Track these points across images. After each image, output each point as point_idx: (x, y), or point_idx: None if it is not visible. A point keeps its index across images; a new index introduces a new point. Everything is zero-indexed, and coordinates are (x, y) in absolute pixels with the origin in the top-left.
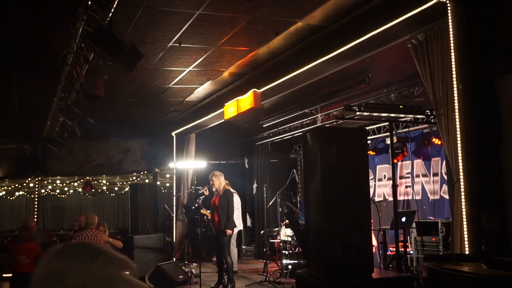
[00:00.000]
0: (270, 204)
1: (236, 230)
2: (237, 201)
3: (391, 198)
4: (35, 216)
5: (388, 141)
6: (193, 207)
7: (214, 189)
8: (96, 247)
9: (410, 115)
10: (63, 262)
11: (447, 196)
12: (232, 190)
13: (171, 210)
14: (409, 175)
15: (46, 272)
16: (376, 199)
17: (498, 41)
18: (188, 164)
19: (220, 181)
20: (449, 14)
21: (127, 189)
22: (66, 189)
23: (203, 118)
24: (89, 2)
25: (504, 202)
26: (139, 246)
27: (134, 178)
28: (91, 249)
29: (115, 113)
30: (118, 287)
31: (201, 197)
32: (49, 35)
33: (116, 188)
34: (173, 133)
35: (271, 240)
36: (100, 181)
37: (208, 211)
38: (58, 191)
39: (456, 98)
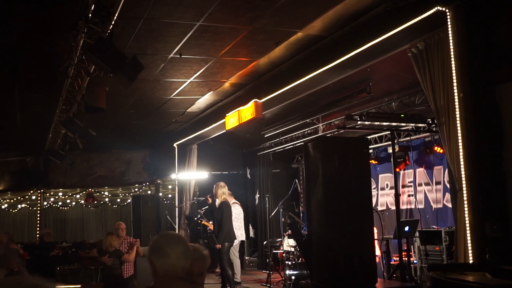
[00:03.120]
0: (272, 214)
1: (237, 241)
2: (238, 211)
3: (394, 207)
4: (37, 228)
5: (390, 150)
6: (195, 218)
7: (216, 199)
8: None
9: (411, 124)
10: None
11: (450, 205)
12: (234, 200)
13: (174, 221)
14: (412, 184)
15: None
16: (379, 208)
17: (498, 49)
18: (190, 175)
19: (218, 193)
20: (449, 23)
21: (129, 200)
22: (68, 201)
23: (204, 129)
24: (90, 15)
25: (507, 210)
26: (142, 258)
27: (136, 189)
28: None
29: (117, 125)
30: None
31: (203, 208)
32: (50, 47)
33: (119, 200)
34: (174, 144)
35: (274, 251)
36: (102, 193)
37: (210, 222)
38: (60, 203)
39: (457, 106)
